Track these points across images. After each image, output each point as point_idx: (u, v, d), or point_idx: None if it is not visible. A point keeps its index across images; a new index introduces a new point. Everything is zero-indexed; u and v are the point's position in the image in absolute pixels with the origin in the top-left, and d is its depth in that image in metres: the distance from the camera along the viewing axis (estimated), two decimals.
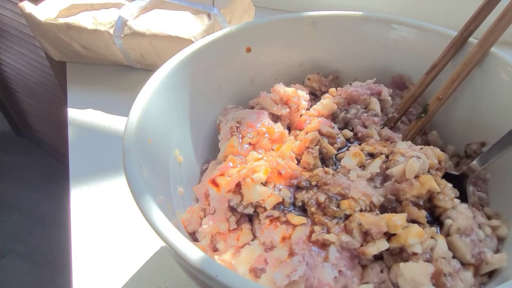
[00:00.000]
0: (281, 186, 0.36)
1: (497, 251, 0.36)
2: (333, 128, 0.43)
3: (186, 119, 0.44)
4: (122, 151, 0.33)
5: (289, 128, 0.47)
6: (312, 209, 0.34)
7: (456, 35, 0.45)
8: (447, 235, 0.34)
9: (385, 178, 0.38)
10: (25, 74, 1.40)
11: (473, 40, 0.45)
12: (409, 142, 0.41)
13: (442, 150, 0.41)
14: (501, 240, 0.37)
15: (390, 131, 0.44)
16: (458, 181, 0.39)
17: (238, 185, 0.36)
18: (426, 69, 0.46)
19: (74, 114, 0.67)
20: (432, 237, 0.33)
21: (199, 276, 0.27)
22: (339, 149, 0.42)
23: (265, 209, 0.35)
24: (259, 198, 0.35)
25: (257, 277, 0.33)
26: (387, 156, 0.38)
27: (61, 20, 0.69)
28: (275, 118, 0.46)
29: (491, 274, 0.34)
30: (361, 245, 0.32)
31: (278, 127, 0.43)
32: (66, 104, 0.69)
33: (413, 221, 0.34)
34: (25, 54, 1.30)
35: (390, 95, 0.46)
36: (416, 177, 0.35)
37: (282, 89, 0.46)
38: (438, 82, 0.45)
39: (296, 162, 0.41)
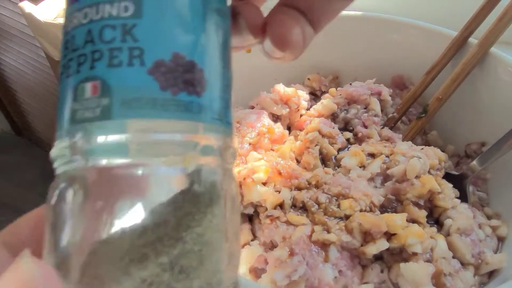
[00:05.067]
0: (281, 186, 0.36)
1: (497, 251, 0.36)
2: (333, 128, 0.43)
3: None
4: None
5: (289, 128, 0.47)
6: (313, 209, 0.34)
7: (456, 35, 0.45)
8: (447, 235, 0.35)
9: (386, 178, 0.38)
10: (25, 74, 1.39)
11: (473, 40, 0.45)
12: (410, 142, 0.41)
13: (442, 150, 0.41)
14: (501, 240, 0.37)
15: (390, 131, 0.44)
16: (458, 181, 0.39)
17: (239, 185, 0.36)
18: (426, 69, 0.46)
19: None
20: (432, 237, 0.33)
21: None
22: (339, 149, 0.42)
23: (266, 209, 0.35)
24: (260, 198, 0.35)
25: (257, 277, 0.33)
26: (387, 156, 0.38)
27: (61, 20, 0.69)
28: (275, 118, 0.46)
29: (491, 274, 0.34)
30: (361, 245, 0.32)
31: (278, 127, 0.43)
32: None
33: (413, 221, 0.34)
34: (25, 54, 1.30)
35: (390, 95, 0.46)
36: (417, 177, 0.35)
37: (282, 89, 0.46)
38: (438, 82, 0.45)
39: (296, 162, 0.41)
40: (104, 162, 0.14)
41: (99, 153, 0.14)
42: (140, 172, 0.14)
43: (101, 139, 0.14)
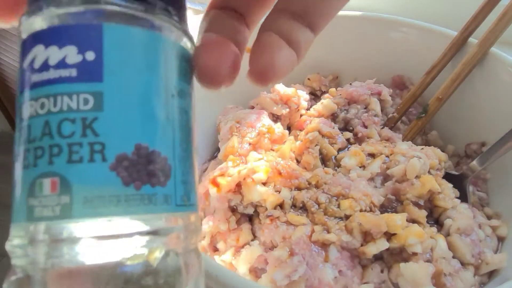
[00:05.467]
0: (281, 186, 0.36)
1: (497, 251, 0.36)
2: (333, 128, 0.43)
3: None
4: None
5: (289, 128, 0.47)
6: (313, 209, 0.34)
7: (456, 35, 0.45)
8: (447, 235, 0.35)
9: (386, 178, 0.38)
10: None
11: (473, 40, 0.45)
12: (410, 143, 0.41)
13: (442, 150, 0.41)
14: (501, 240, 0.37)
15: (390, 131, 0.44)
16: (458, 181, 0.39)
17: (239, 185, 0.36)
18: (426, 69, 0.46)
19: None
20: (432, 237, 0.33)
21: None
22: (339, 149, 0.42)
23: (266, 209, 0.35)
24: (260, 198, 0.35)
25: (257, 277, 0.33)
26: (387, 156, 0.38)
27: None
28: (275, 118, 0.46)
29: (491, 274, 0.34)
30: (361, 245, 0.32)
31: (278, 127, 0.43)
32: None
33: (413, 221, 0.34)
34: None
35: (390, 95, 0.46)
36: (417, 177, 0.35)
37: (282, 89, 0.46)
38: (438, 82, 0.45)
39: (296, 162, 0.41)
40: (63, 262, 0.13)
41: (58, 253, 0.13)
42: (104, 271, 0.14)
43: (61, 239, 0.13)
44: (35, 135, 0.14)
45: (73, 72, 0.14)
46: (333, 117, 0.45)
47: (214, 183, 0.36)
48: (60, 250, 0.14)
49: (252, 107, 0.48)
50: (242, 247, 0.36)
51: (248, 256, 0.34)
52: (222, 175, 0.37)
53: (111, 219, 0.14)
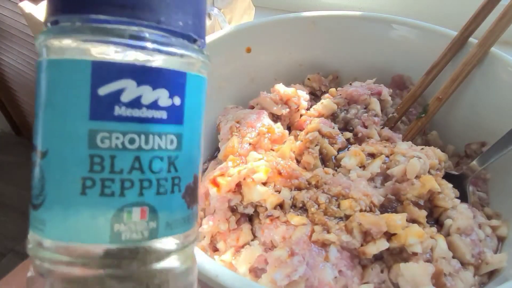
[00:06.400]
0: (281, 186, 0.36)
1: (497, 251, 0.36)
2: (333, 128, 0.43)
3: None
4: None
5: (289, 128, 0.47)
6: (313, 209, 0.34)
7: (456, 35, 0.45)
8: (447, 235, 0.35)
9: (386, 178, 0.38)
10: (25, 74, 1.39)
11: (473, 40, 0.45)
12: (410, 143, 0.41)
13: (442, 150, 0.41)
14: (501, 240, 0.37)
15: (390, 131, 0.44)
16: (458, 181, 0.39)
17: (239, 185, 0.36)
18: (426, 69, 0.46)
19: None
20: (432, 237, 0.33)
21: (199, 276, 0.27)
22: (339, 149, 0.42)
23: (266, 209, 0.35)
24: (260, 198, 0.35)
25: (257, 277, 0.33)
26: (387, 156, 0.38)
27: None
28: (275, 118, 0.46)
29: (491, 274, 0.34)
30: (361, 245, 0.32)
31: (278, 127, 0.43)
32: None
33: (413, 221, 0.34)
34: (25, 54, 1.30)
35: (390, 95, 0.46)
36: (417, 177, 0.35)
37: (282, 89, 0.46)
38: (438, 82, 0.45)
39: (296, 162, 0.41)
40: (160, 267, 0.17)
41: (140, 263, 0.16)
42: (172, 272, 0.18)
43: (145, 255, 0.16)
44: (122, 167, 0.16)
45: (164, 115, 0.16)
46: (333, 117, 0.45)
47: (214, 183, 0.36)
48: (144, 261, 0.16)
49: (252, 107, 0.48)
50: (242, 247, 0.36)
51: (248, 256, 0.34)
52: (222, 175, 0.37)
53: (181, 235, 0.18)
